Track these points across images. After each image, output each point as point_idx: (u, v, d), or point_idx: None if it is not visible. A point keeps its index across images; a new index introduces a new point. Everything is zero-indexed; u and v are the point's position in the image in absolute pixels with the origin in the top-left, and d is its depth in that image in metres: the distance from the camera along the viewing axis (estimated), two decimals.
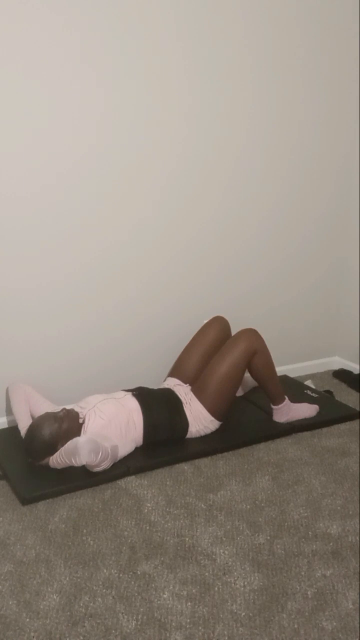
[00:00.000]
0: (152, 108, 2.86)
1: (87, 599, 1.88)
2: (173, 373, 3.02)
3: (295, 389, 3.28)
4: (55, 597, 1.89)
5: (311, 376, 3.66)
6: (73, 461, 2.38)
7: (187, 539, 2.16)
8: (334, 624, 1.80)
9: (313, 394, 3.24)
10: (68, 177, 2.75)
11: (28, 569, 2.01)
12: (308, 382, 3.45)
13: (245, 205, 3.25)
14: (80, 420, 2.56)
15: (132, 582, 1.95)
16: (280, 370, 3.40)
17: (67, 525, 2.23)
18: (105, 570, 2.00)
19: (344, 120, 3.39)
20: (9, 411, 2.86)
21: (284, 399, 2.94)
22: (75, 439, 2.39)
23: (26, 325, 2.83)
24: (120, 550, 2.10)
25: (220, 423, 2.83)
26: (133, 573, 1.99)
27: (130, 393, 2.73)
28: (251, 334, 2.80)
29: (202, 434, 2.80)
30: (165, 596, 1.90)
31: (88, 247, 2.88)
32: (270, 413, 2.98)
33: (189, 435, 2.77)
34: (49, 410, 2.69)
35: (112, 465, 2.51)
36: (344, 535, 2.20)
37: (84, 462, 2.39)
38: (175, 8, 2.79)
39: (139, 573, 1.99)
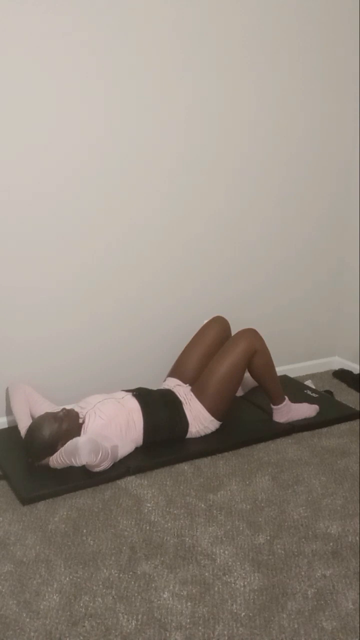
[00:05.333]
0: (152, 109, 2.86)
1: (87, 599, 1.88)
2: (173, 373, 3.02)
3: (295, 389, 3.27)
4: (55, 597, 1.89)
5: (311, 376, 3.66)
6: (73, 461, 2.38)
7: (187, 539, 2.16)
8: (334, 624, 1.80)
9: (313, 394, 3.24)
10: (68, 179, 2.75)
11: (28, 569, 2.01)
12: (308, 382, 3.45)
13: (245, 205, 3.25)
14: (80, 420, 2.56)
15: (132, 582, 1.95)
16: (280, 370, 3.40)
17: (67, 525, 2.22)
18: (105, 570, 2.00)
19: (345, 120, 3.39)
20: (9, 411, 2.86)
21: (284, 399, 2.94)
22: (75, 439, 2.39)
23: (26, 325, 2.83)
24: (120, 550, 2.10)
25: (220, 423, 2.83)
26: (133, 573, 1.99)
27: (130, 393, 2.73)
28: (251, 334, 2.80)
29: (202, 434, 2.80)
30: (165, 596, 1.90)
31: (88, 247, 2.88)
32: (270, 413, 2.98)
33: (189, 436, 2.77)
34: (49, 410, 2.69)
35: (112, 465, 2.51)
36: (344, 535, 2.20)
37: (84, 462, 2.39)
38: (177, 8, 2.79)
39: (139, 573, 1.99)
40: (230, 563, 2.04)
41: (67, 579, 1.96)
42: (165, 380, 3.02)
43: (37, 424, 2.49)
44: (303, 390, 3.29)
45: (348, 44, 3.28)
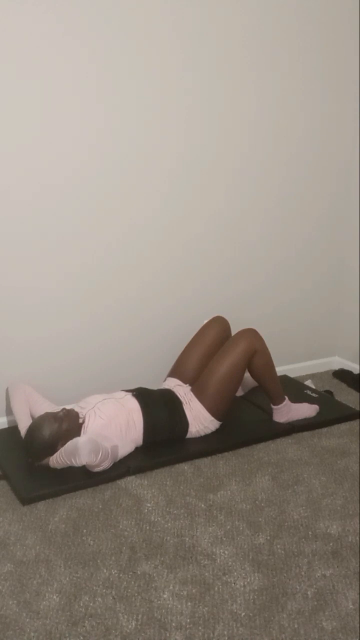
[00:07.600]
0: (152, 109, 2.86)
1: (87, 599, 1.88)
2: (173, 373, 3.02)
3: (295, 389, 3.27)
4: (55, 597, 1.89)
5: (311, 376, 3.66)
6: (73, 461, 2.38)
7: (187, 539, 2.16)
8: (334, 624, 1.80)
9: (313, 394, 3.24)
10: (68, 178, 2.75)
11: (28, 569, 2.01)
12: (308, 382, 3.45)
13: (245, 205, 3.25)
14: (80, 420, 2.56)
15: (132, 582, 1.95)
16: (280, 370, 3.40)
17: (67, 525, 2.23)
18: (105, 570, 2.00)
19: (345, 120, 3.39)
20: (9, 411, 2.86)
21: (284, 399, 2.94)
22: (75, 439, 2.39)
23: (26, 325, 2.83)
24: (120, 550, 2.10)
25: (220, 423, 2.83)
26: (133, 573, 1.99)
27: (130, 393, 2.73)
28: (251, 334, 2.80)
29: (202, 434, 2.80)
30: (165, 596, 1.90)
31: (88, 247, 2.88)
32: (270, 413, 2.98)
33: (189, 435, 2.77)
34: (49, 410, 2.69)
35: (112, 465, 2.51)
36: (344, 535, 2.20)
37: (84, 462, 2.39)
38: (177, 8, 2.79)
39: (139, 573, 1.99)
40: (230, 563, 2.04)
41: (67, 579, 1.96)
42: (165, 380, 3.02)
43: (37, 424, 2.49)
44: (303, 390, 3.29)
45: (348, 44, 3.28)
